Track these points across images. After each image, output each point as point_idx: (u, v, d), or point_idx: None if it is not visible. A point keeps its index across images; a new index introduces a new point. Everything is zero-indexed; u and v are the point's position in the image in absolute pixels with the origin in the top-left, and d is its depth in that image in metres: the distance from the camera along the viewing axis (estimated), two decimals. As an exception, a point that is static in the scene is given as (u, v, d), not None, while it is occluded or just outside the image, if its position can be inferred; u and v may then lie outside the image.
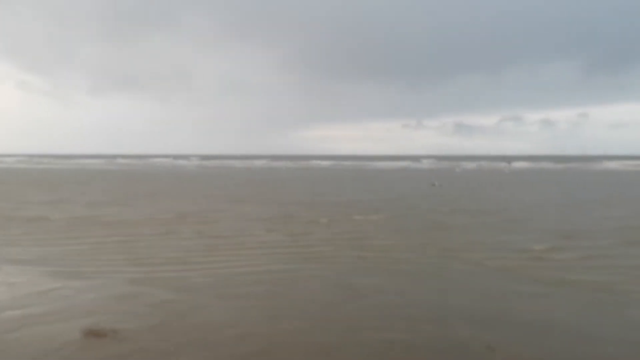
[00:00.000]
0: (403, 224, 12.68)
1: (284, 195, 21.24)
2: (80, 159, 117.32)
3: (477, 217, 13.93)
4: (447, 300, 6.05)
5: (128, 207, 16.52)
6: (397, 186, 28.00)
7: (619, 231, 11.24)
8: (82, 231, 11.47)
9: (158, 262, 8.26)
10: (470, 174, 43.92)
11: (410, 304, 5.84)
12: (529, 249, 9.21)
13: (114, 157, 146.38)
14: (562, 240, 10.07)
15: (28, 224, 12.57)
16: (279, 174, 45.04)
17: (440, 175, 40.74)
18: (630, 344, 4.69)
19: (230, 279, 7.08)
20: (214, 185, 28.39)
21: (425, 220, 13.40)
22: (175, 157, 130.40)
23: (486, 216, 14.11)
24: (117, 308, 5.63)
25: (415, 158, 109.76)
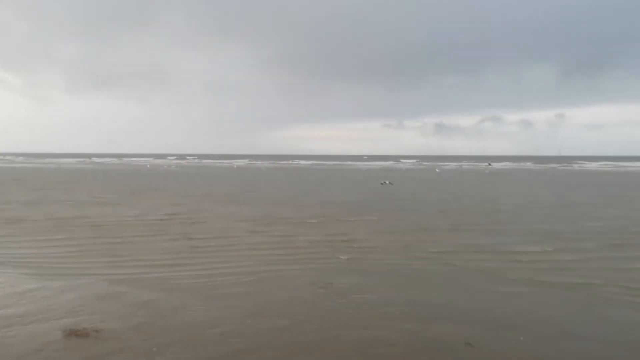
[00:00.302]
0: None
1: (265, 195, 21.24)
2: (56, 157, 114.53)
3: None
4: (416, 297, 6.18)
5: (111, 207, 16.28)
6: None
7: (602, 234, 11.23)
8: (64, 232, 11.28)
9: (142, 263, 8.22)
10: (448, 173, 44.49)
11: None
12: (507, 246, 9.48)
13: (91, 156, 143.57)
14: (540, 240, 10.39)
15: (8, 225, 12.30)
16: (260, 173, 44.87)
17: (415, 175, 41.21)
18: (605, 341, 4.86)
19: (214, 279, 7.10)
20: (196, 186, 28.11)
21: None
22: (155, 156, 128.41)
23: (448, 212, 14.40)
24: (100, 308, 5.60)
25: (396, 158, 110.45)
